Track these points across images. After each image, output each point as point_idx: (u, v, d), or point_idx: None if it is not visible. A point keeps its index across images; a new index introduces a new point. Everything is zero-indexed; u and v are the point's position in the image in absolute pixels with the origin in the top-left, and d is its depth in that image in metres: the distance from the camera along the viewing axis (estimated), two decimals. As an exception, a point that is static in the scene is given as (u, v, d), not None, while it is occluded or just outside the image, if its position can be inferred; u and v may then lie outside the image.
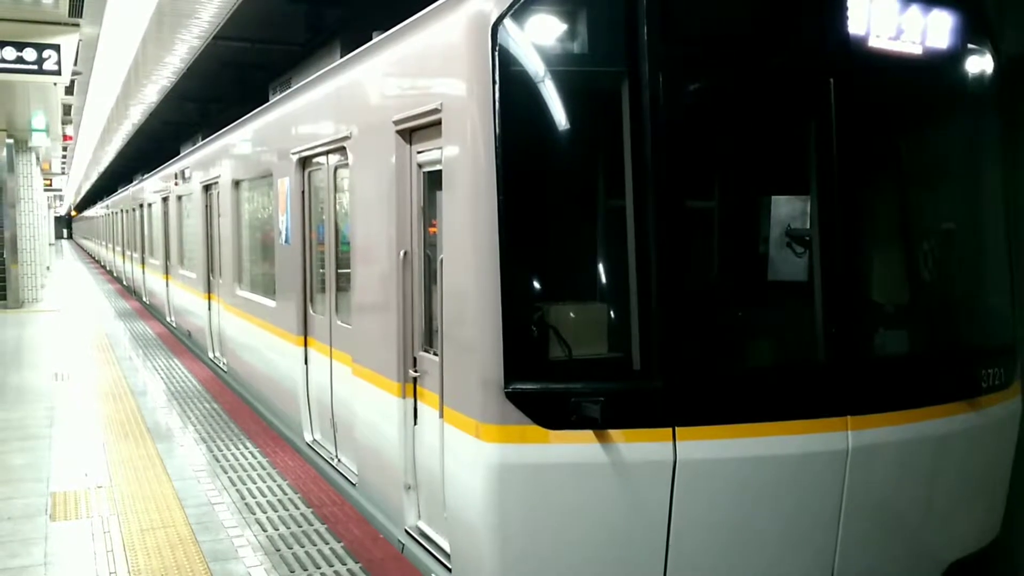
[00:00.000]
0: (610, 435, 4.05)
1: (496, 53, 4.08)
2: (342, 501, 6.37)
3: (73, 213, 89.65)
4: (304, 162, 7.55)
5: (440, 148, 4.65)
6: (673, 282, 4.19)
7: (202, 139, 14.21)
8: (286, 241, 7.97)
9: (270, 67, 11.44)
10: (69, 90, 16.43)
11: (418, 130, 5.10)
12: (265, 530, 5.83)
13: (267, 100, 9.47)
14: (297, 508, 6.24)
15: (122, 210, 28.76)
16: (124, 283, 28.71)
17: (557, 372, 4.19)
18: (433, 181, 5.02)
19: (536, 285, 4.32)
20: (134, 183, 25.63)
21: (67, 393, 10.45)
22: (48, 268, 31.84)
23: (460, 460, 4.43)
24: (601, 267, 4.41)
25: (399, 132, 5.25)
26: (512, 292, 4.09)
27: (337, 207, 6.87)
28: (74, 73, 14.09)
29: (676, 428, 4.10)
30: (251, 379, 9.96)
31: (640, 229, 4.13)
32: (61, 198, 63.85)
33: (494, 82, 4.09)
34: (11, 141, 21.00)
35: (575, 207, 4.54)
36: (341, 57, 6.94)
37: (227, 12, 10.42)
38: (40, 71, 12.02)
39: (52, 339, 15.46)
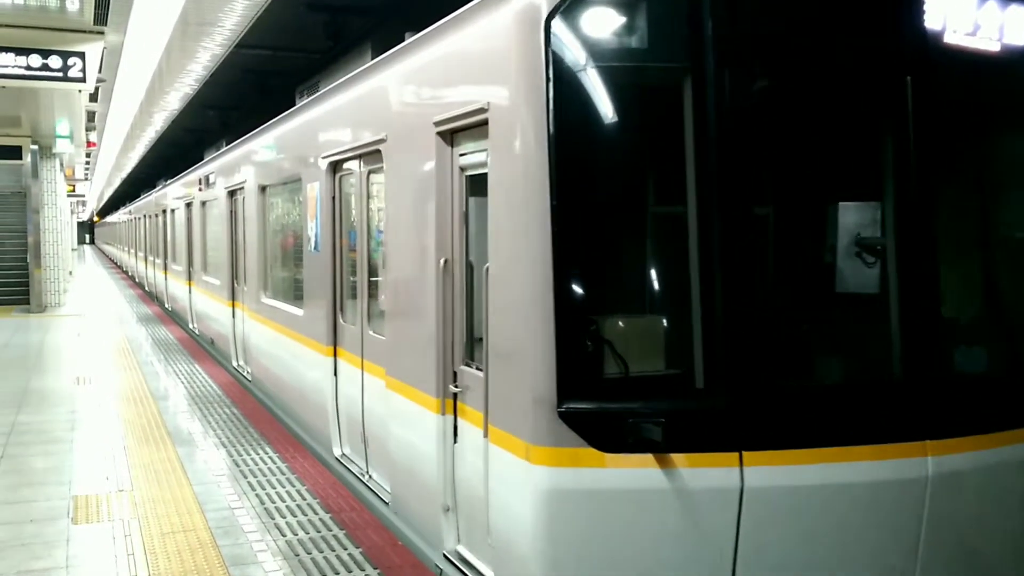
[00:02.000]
0: (672, 459, 3.76)
1: (548, 49, 3.85)
2: (361, 507, 6.39)
3: (95, 218, 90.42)
4: (335, 167, 7.31)
5: (485, 150, 4.45)
6: (739, 294, 3.91)
7: (226, 145, 14.05)
8: (315, 248, 7.72)
9: (294, 73, 11.50)
10: (93, 97, 16.60)
11: (461, 131, 4.85)
12: (284, 535, 5.86)
13: (293, 105, 9.35)
14: (316, 513, 6.26)
15: (145, 215, 28.53)
16: (146, 288, 28.56)
17: (614, 390, 3.91)
18: (477, 185, 4.76)
19: (591, 296, 4.00)
20: (157, 189, 25.43)
21: (89, 397, 10.54)
22: (71, 273, 32.13)
23: (507, 483, 4.17)
24: (661, 277, 4.13)
25: (440, 134, 4.99)
26: (566, 304, 3.83)
27: (370, 213, 6.62)
28: (98, 80, 14.24)
29: (743, 453, 3.81)
30: (277, 390, 9.69)
31: (704, 237, 3.86)
32: (84, 204, 64.42)
33: (547, 79, 3.85)
34: (36, 147, 21.24)
35: (632, 212, 4.22)
36: (372, 59, 6.72)
37: (249, 20, 10.50)
38: (65, 78, 12.17)
39: (74, 343, 15.60)
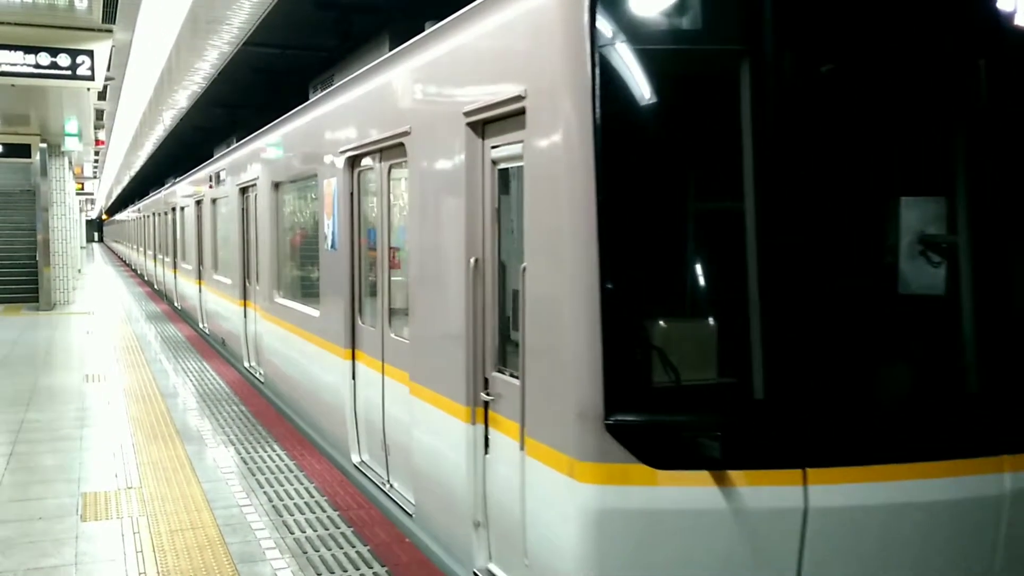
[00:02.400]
0: (730, 477, 3.48)
1: (594, 30, 3.56)
2: (368, 505, 6.39)
3: (104, 216, 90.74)
4: (353, 162, 7.01)
5: (521, 142, 4.13)
6: (802, 296, 3.62)
7: (236, 141, 13.67)
8: (332, 246, 7.42)
9: (307, 68, 11.40)
10: (102, 95, 16.64)
11: (493, 122, 4.52)
12: (292, 532, 5.86)
13: (306, 100, 9.13)
14: (324, 511, 6.26)
15: (154, 213, 28.10)
16: (155, 287, 28.37)
17: (666, 401, 3.62)
18: (511, 179, 4.52)
19: (641, 298, 3.71)
20: (166, 186, 25.03)
21: (98, 394, 10.57)
22: (79, 271, 32.24)
23: (547, 501, 3.86)
24: (716, 278, 3.79)
25: (470, 125, 4.67)
26: (613, 306, 3.53)
27: (391, 210, 6.32)
28: (107, 78, 14.26)
29: (807, 470, 3.52)
30: (291, 392, 9.36)
31: (763, 234, 3.58)
32: (92, 202, 64.64)
33: (593, 64, 3.56)
34: (44, 145, 21.31)
35: (684, 207, 3.88)
36: (390, 51, 6.44)
37: (258, 18, 10.50)
38: (74, 76, 12.18)
39: (83, 341, 15.65)
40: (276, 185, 10.09)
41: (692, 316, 3.85)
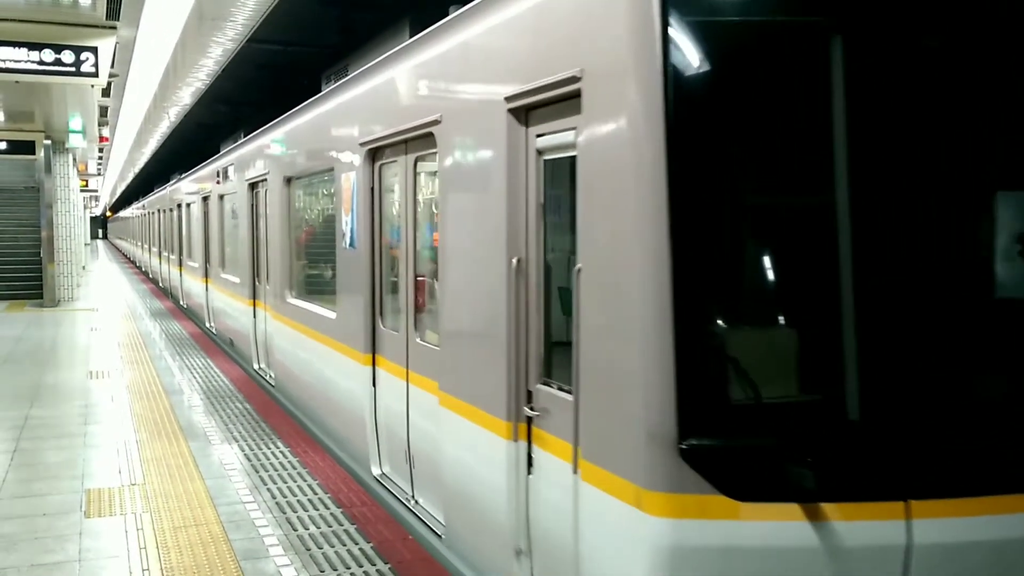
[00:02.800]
0: (823, 510, 3.09)
1: (665, 2, 3.15)
2: (372, 502, 6.39)
3: (108, 213, 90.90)
4: (374, 154, 6.55)
5: (574, 129, 3.71)
6: (902, 302, 3.21)
7: (244, 136, 13.35)
8: (350, 244, 7.00)
9: (315, 61, 11.35)
10: (106, 92, 16.65)
11: (539, 108, 4.08)
12: (295, 529, 5.86)
13: (318, 92, 8.84)
14: (327, 508, 6.26)
15: (159, 210, 27.40)
16: (160, 284, 27.77)
17: (750, 422, 3.21)
18: (560, 171, 4.06)
19: (721, 304, 3.27)
20: (171, 182, 24.56)
21: (102, 391, 10.58)
22: (84, 268, 32.30)
23: (607, 533, 3.43)
24: (807, 280, 3.34)
25: (512, 112, 4.21)
26: (687, 313, 3.10)
27: (417, 206, 5.90)
28: (111, 75, 14.28)
29: (910, 502, 3.11)
30: (305, 398, 8.92)
31: (858, 230, 3.17)
32: (97, 199, 64.74)
33: (664, 40, 3.12)
34: (49, 142, 21.33)
35: (767, 202, 3.43)
36: (410, 37, 6.08)
37: (262, 14, 10.51)
38: (78, 73, 12.20)
39: (87, 338, 15.67)
40: (288, 180, 9.68)
41: (778, 324, 3.42)
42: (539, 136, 4.12)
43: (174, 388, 10.83)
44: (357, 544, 5.60)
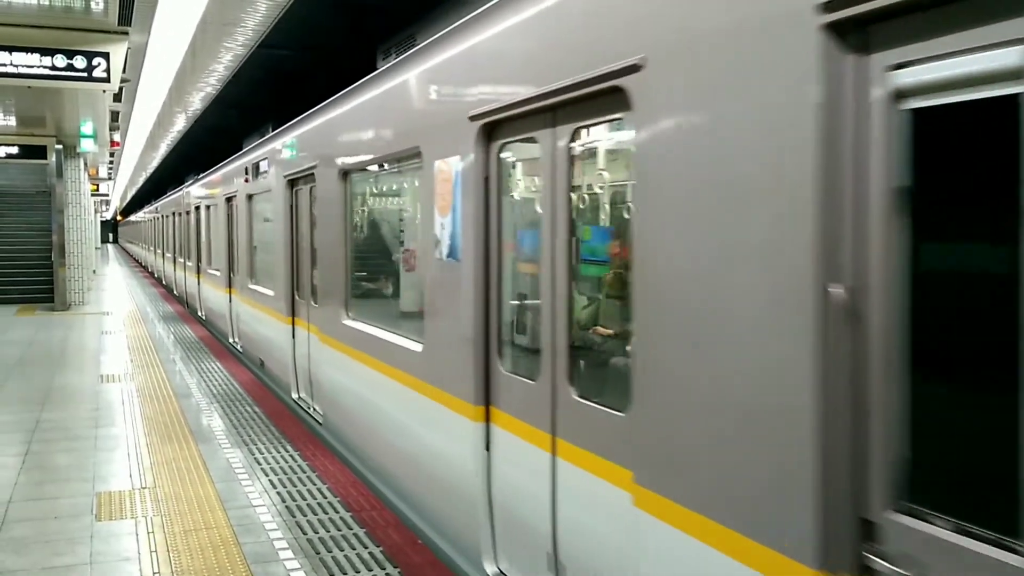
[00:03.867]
0: None
1: None
2: (381, 506, 6.40)
3: (118, 218, 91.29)
4: (491, 131, 4.83)
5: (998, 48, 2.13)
6: None
7: (272, 129, 11.65)
8: (450, 255, 5.27)
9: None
10: (117, 97, 16.74)
11: (893, 18, 2.38)
12: (305, 533, 5.87)
13: (372, 71, 7.25)
14: (337, 512, 6.28)
15: (174, 213, 25.39)
16: (175, 293, 26.22)
17: None
18: (943, 124, 2.38)
19: None
20: (187, 183, 22.69)
21: (112, 394, 10.62)
22: (94, 272, 32.43)
23: None
24: None
25: (832, 27, 2.49)
26: None
27: (578, 200, 4.13)
28: (122, 80, 14.36)
29: None
30: (371, 447, 7.06)
31: None
32: (107, 203, 65.02)
33: None
34: (60, 147, 21.44)
35: None
36: None
37: (272, 21, 10.56)
38: (90, 78, 12.25)
39: (97, 341, 15.73)
40: (345, 174, 7.72)
41: None
42: (895, 68, 2.41)
43: (184, 391, 10.86)
44: (367, 548, 5.61)
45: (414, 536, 5.77)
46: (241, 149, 14.38)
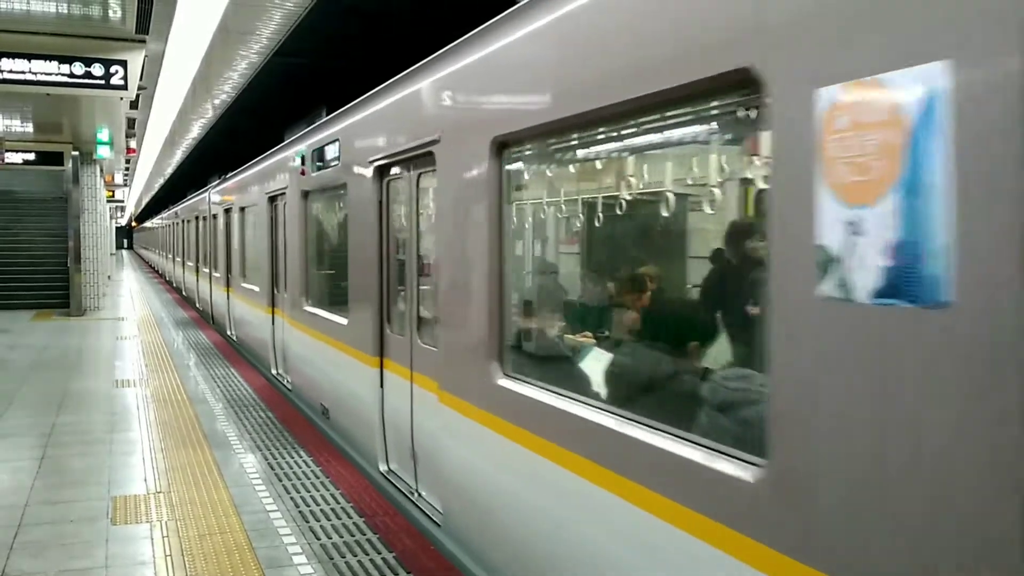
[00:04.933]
0: None
1: None
2: (394, 511, 6.42)
3: (133, 224, 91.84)
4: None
5: None
6: None
7: (327, 114, 9.33)
8: (847, 291, 2.54)
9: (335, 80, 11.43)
10: (133, 104, 16.89)
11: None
12: (319, 538, 5.90)
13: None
14: (350, 517, 6.30)
15: (197, 217, 22.41)
16: (197, 307, 23.71)
17: None
18: None
19: None
20: (214, 184, 19.79)
21: (127, 399, 10.69)
22: (109, 277, 32.63)
23: None
24: None
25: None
26: None
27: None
28: (139, 88, 14.48)
29: None
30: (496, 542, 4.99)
31: None
32: (122, 209, 65.44)
33: None
34: (76, 154, 21.61)
35: None
36: None
37: (287, 29, 10.64)
38: (107, 86, 12.39)
39: (112, 346, 15.84)
40: (501, 148, 4.84)
41: None
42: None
43: (198, 396, 10.92)
44: (380, 554, 5.64)
45: (427, 541, 5.80)
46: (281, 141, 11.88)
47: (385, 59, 7.93)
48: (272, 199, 11.87)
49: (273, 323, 12.29)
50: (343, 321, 8.34)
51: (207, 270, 20.38)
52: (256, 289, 13.23)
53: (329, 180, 8.90)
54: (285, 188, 11.03)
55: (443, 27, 6.58)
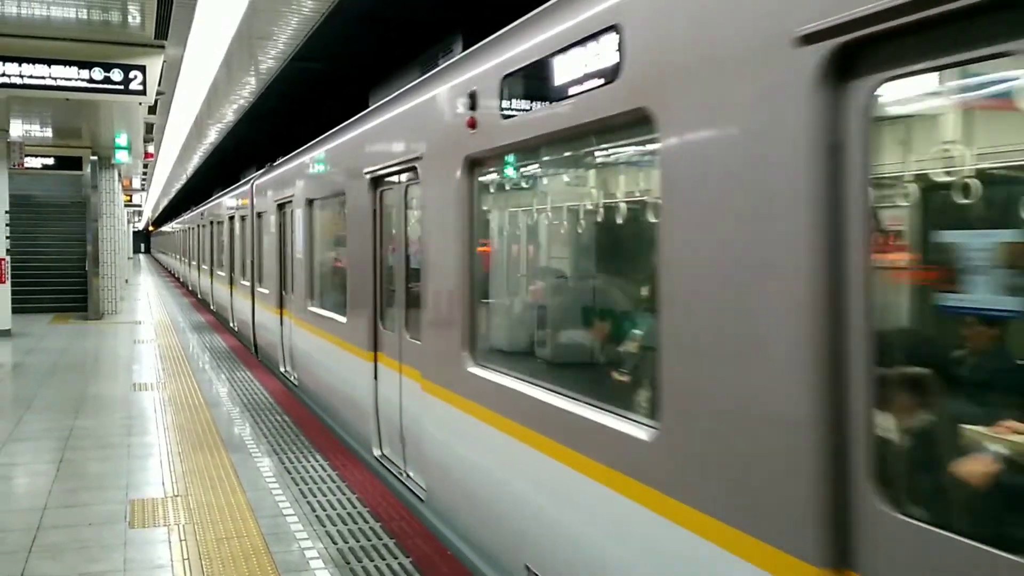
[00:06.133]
0: None
1: None
2: (410, 516, 6.41)
3: (150, 228, 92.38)
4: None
5: None
6: None
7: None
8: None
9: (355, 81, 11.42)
10: (152, 109, 16.99)
11: None
12: (335, 542, 5.90)
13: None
14: (366, 522, 6.30)
15: (230, 218, 19.48)
16: (216, 312, 22.95)
17: None
18: None
19: None
20: (241, 183, 18.23)
21: (145, 403, 10.74)
22: (127, 281, 32.81)
23: None
24: None
25: None
26: None
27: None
28: (158, 93, 14.58)
29: None
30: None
31: None
32: (140, 213, 65.86)
33: None
34: (95, 158, 21.77)
35: None
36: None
37: (304, 35, 10.68)
38: (126, 91, 12.47)
39: (130, 350, 15.92)
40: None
41: None
42: None
43: (215, 400, 10.96)
44: (396, 558, 5.63)
45: (443, 547, 5.79)
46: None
47: (400, 66, 7.90)
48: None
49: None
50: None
51: (236, 278, 18.41)
52: (324, 313, 10.09)
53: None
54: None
55: (458, 31, 6.56)
